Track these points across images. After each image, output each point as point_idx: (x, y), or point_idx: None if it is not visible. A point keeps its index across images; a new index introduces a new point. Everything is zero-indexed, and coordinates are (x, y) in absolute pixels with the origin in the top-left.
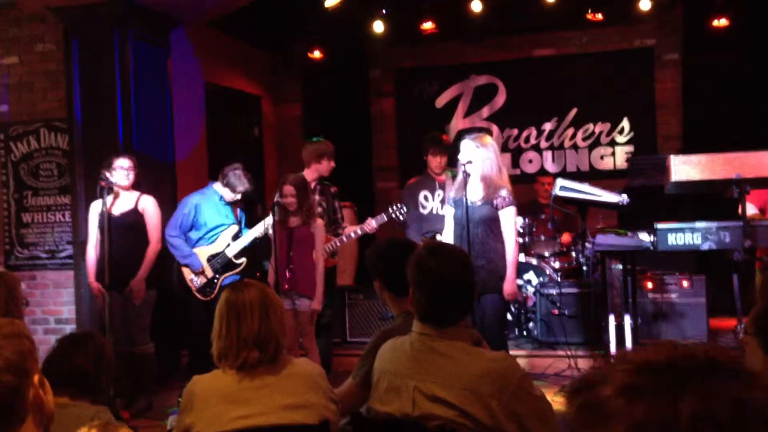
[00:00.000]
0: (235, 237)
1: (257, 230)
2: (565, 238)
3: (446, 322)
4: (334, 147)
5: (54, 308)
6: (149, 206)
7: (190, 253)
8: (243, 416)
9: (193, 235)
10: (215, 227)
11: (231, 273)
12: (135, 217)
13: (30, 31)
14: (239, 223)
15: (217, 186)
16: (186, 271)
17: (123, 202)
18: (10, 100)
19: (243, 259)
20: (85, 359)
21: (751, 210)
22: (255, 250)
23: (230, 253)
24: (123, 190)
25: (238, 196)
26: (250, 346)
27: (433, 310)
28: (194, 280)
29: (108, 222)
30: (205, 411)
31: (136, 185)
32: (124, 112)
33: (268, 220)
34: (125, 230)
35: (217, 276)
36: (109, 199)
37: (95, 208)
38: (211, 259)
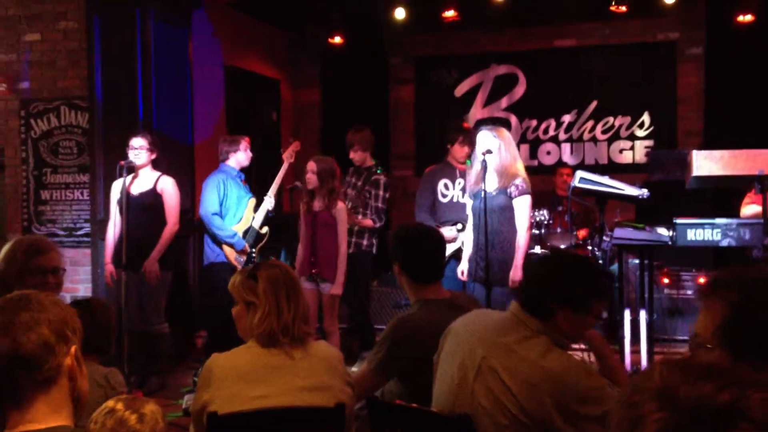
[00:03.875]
0: (256, 209)
1: (269, 202)
2: (582, 233)
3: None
4: (355, 136)
5: (71, 286)
6: (168, 187)
7: (235, 233)
8: (260, 396)
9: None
10: (238, 203)
11: (260, 245)
12: (153, 197)
13: (52, 9)
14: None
15: (230, 162)
16: (229, 251)
17: (142, 182)
18: (32, 77)
19: (266, 228)
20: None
21: (757, 209)
22: (273, 219)
23: (257, 225)
24: (138, 169)
25: (246, 161)
26: (301, 318)
27: None
28: (238, 259)
29: (126, 201)
30: (223, 389)
31: (156, 165)
32: (145, 92)
33: (272, 191)
34: (143, 210)
35: (253, 251)
36: (129, 178)
37: (116, 187)
38: (244, 235)
